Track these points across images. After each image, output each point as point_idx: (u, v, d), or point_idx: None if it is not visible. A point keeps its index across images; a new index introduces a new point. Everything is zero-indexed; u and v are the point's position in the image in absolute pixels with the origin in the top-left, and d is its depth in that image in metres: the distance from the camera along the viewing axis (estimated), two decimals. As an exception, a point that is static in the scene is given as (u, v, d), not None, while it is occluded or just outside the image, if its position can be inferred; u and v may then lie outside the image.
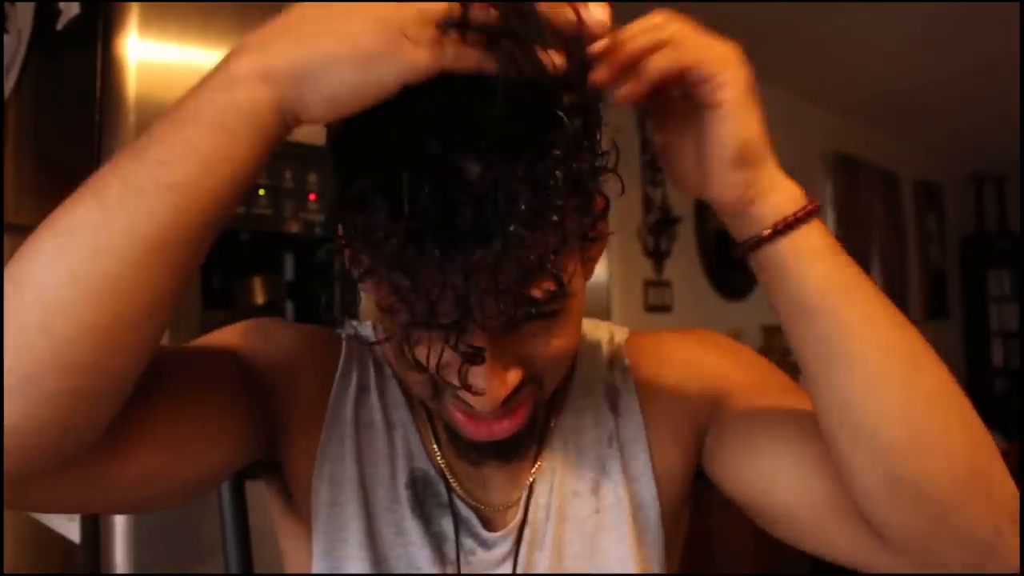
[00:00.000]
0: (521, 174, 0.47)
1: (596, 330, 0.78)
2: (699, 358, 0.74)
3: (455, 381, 0.55)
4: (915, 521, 0.52)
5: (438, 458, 0.70)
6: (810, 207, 0.54)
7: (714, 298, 3.69)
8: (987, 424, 0.53)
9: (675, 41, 0.51)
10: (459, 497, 0.69)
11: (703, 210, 3.44)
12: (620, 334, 0.78)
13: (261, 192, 1.33)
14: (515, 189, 0.47)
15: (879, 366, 0.52)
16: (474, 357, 0.53)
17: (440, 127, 0.48)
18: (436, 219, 0.47)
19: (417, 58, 0.45)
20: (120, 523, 1.17)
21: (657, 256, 3.35)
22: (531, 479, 0.70)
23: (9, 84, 1.52)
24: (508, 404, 0.58)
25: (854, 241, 4.47)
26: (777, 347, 3.39)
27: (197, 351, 0.65)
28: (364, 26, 0.45)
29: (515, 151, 0.48)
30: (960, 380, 0.53)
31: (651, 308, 3.24)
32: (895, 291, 4.77)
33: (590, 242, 0.58)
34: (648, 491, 0.70)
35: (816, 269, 0.54)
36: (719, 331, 0.78)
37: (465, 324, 0.51)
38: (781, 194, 0.55)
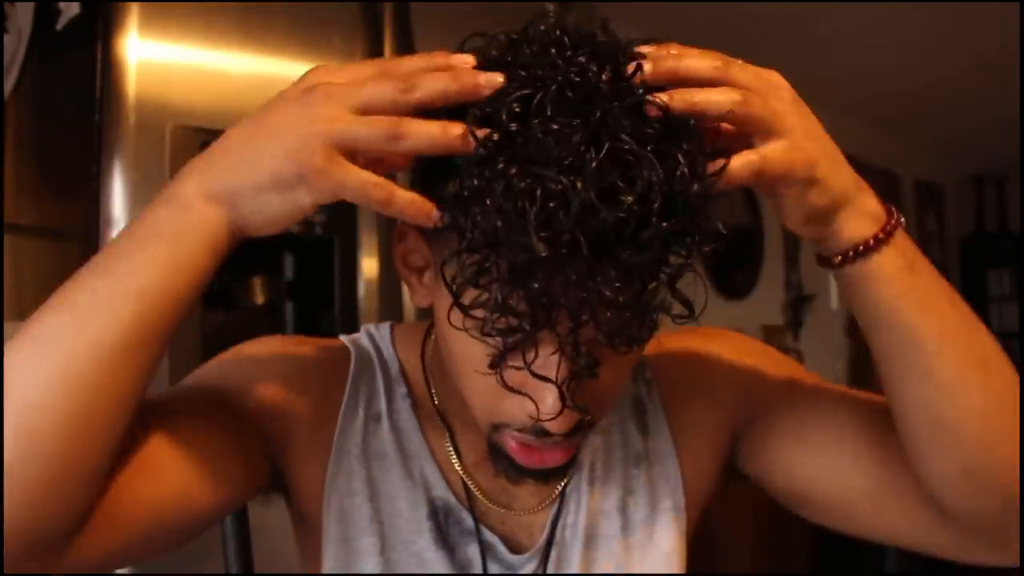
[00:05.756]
0: (678, 187, 0.47)
1: None
2: (730, 361, 0.73)
3: (528, 404, 0.53)
4: (990, 504, 0.57)
5: (461, 479, 0.68)
6: (881, 234, 0.54)
7: (714, 298, 3.68)
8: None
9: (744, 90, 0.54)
10: (483, 523, 0.68)
11: (703, 210, 3.44)
12: None
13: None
14: (673, 200, 0.47)
15: (954, 375, 0.55)
16: (590, 369, 0.52)
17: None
18: (583, 221, 0.45)
19: (323, 186, 0.50)
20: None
21: (657, 256, 3.33)
22: (556, 491, 0.70)
23: (9, 84, 1.52)
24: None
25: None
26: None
27: (188, 395, 0.64)
28: (275, 158, 0.50)
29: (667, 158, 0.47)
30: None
31: (651, 308, 3.24)
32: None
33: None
34: (678, 507, 0.71)
35: (889, 290, 0.55)
36: (720, 332, 0.77)
37: (578, 334, 0.49)
38: (857, 220, 0.54)
